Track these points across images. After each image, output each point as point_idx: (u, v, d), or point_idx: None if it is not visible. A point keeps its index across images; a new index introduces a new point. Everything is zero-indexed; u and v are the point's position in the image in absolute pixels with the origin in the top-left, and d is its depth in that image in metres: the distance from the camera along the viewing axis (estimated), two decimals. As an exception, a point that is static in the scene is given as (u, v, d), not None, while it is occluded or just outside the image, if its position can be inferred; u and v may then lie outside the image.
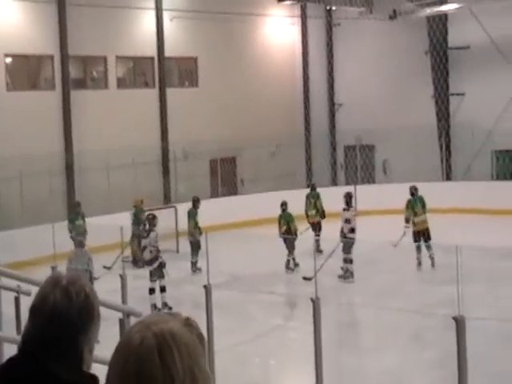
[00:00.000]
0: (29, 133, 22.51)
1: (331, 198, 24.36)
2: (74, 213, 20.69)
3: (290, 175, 28.64)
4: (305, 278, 16.58)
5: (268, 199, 22.21)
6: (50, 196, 22.27)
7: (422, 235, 17.59)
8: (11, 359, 2.21)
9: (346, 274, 16.68)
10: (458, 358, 7.39)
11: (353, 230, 17.12)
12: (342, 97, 31.00)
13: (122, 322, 7.31)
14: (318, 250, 18.59)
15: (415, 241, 17.46)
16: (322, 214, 20.37)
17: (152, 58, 26.68)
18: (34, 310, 2.22)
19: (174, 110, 26.58)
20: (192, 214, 19.34)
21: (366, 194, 25.31)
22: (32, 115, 22.93)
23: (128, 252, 19.57)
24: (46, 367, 2.12)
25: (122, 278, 10.20)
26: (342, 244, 16.81)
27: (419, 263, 17.27)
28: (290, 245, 18.00)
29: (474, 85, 26.62)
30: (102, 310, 2.33)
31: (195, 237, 18.70)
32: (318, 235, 19.78)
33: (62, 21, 23.73)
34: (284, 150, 29.05)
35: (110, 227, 17.25)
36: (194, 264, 18.65)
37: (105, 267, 18.27)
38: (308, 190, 21.69)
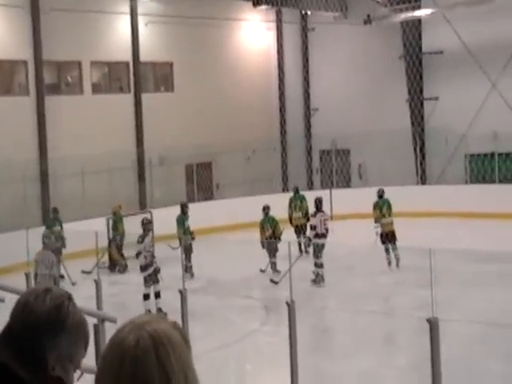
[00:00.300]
0: (2, 139, 22.34)
1: (308, 202, 24.53)
2: (52, 219, 20.51)
3: (265, 180, 28.69)
4: (272, 281, 16.76)
5: (244, 204, 22.26)
6: (24, 202, 22.11)
7: (389, 237, 17.84)
8: None
9: (317, 279, 16.71)
10: (432, 360, 7.45)
11: (323, 235, 17.17)
12: (317, 101, 31.13)
13: (96, 328, 7.29)
14: (306, 251, 18.83)
15: (383, 242, 17.66)
16: (307, 216, 20.39)
17: (127, 63, 26.60)
18: (10, 313, 2.24)
19: (150, 116, 26.50)
20: (180, 220, 19.19)
21: (341, 198, 25.46)
22: (5, 121, 22.72)
23: (105, 258, 19.53)
24: (7, 365, 2.12)
25: (97, 283, 10.16)
26: (312, 249, 16.99)
27: (389, 263, 17.56)
28: (273, 249, 18.04)
29: (448, 89, 26.89)
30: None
31: (185, 242, 18.56)
32: (305, 237, 19.77)
33: (36, 26, 23.56)
34: (260, 154, 29.09)
35: (85, 233, 17.19)
36: (189, 268, 18.45)
37: (84, 272, 18.22)
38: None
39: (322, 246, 16.85)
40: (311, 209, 18.28)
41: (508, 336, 12.25)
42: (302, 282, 16.66)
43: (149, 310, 14.85)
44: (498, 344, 11.46)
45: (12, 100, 23.63)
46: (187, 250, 18.38)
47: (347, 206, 24.56)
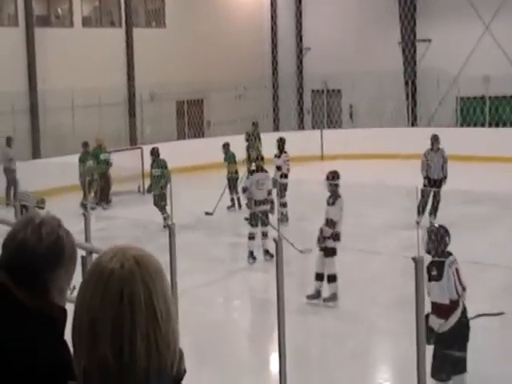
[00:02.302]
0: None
1: (297, 142, 24.46)
2: (84, 153, 20.06)
3: (256, 118, 28.60)
4: (207, 213, 17.41)
5: (235, 142, 22.20)
6: (13, 135, 21.98)
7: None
8: None
9: (282, 217, 16.69)
10: (416, 298, 7.59)
11: (286, 176, 17.29)
12: (309, 41, 30.87)
13: (84, 260, 7.36)
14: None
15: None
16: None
17: (118, -3, 26.22)
18: (4, 243, 2.30)
19: (141, 51, 26.24)
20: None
21: (332, 139, 25.49)
22: (-6, 52, 22.49)
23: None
24: (12, 294, 2.18)
25: (86, 217, 10.20)
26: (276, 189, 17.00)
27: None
28: (234, 185, 18.88)
29: (441, 31, 26.72)
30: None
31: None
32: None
33: (25, -45, 23.15)
34: (251, 93, 28.94)
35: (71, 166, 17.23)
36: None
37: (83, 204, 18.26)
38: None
39: (286, 185, 16.93)
40: (272, 149, 18.10)
41: (492, 276, 12.46)
42: (290, 221, 16.83)
43: (251, 252, 13.92)
44: (483, 284, 11.63)
45: (1, 30, 23.30)
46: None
47: (337, 147, 24.60)
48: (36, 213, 2.42)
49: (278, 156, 17.64)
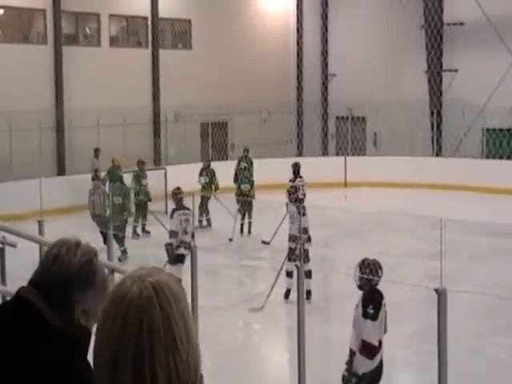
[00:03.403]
0: (19, 87, 22.33)
1: (321, 168, 24.45)
2: (139, 171, 19.89)
3: (280, 143, 28.62)
4: (263, 242, 17.03)
5: (258, 166, 22.20)
6: (39, 152, 22.17)
7: None
8: (5, 302, 2.28)
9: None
10: (438, 330, 7.46)
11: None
12: (335, 67, 30.92)
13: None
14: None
15: None
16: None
17: (146, 18, 26.46)
18: (41, 260, 2.33)
19: (167, 72, 26.41)
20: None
21: (355, 166, 25.42)
22: (23, 69, 22.74)
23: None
24: (37, 310, 2.19)
25: (109, 235, 10.22)
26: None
27: None
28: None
29: (468, 61, 26.62)
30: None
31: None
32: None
33: (56, -26, 23.48)
34: (275, 117, 28.98)
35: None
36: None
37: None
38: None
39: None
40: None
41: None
42: (312, 247, 16.72)
43: (288, 290, 12.89)
44: (506, 317, 11.48)
45: (30, 48, 23.60)
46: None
47: (361, 174, 24.53)
48: (74, 237, 2.45)
49: (292, 180, 17.52)
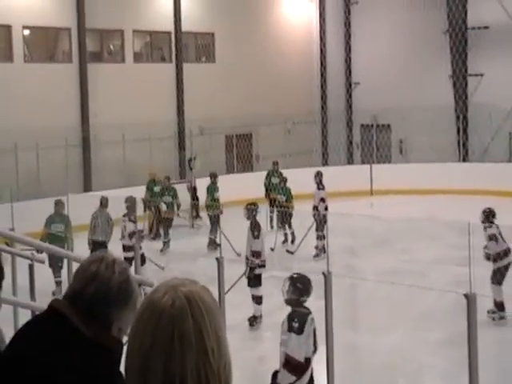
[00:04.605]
0: (45, 105, 22.60)
1: (347, 176, 24.36)
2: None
3: (305, 153, 28.60)
4: (288, 251, 17.21)
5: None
6: (66, 168, 22.37)
7: None
8: (39, 315, 2.31)
9: (320, 250, 16.54)
10: (469, 336, 7.40)
11: (326, 208, 17.13)
12: (358, 75, 30.86)
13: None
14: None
15: None
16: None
17: (169, 33, 26.64)
18: (76, 272, 2.32)
19: (191, 85, 26.55)
20: (210, 189, 19.39)
21: (381, 173, 25.31)
22: (49, 87, 23.02)
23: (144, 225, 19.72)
24: (71, 324, 2.20)
25: (136, 248, 10.28)
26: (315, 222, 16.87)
27: None
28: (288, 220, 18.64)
29: (493, 65, 26.42)
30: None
31: (213, 212, 18.68)
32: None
33: (80, -6, 23.74)
34: (300, 127, 28.97)
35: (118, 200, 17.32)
36: (212, 241, 18.48)
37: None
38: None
39: (326, 219, 16.76)
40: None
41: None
42: (337, 256, 16.69)
43: (254, 317, 12.61)
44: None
45: (55, 67, 23.86)
46: (214, 221, 18.44)
47: (387, 182, 24.42)
48: (108, 252, 2.46)
49: (322, 188, 17.42)
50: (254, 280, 12.54)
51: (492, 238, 11.93)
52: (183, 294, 1.68)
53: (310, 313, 7.57)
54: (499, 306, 11.68)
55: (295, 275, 8.03)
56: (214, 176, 19.75)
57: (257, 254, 12.55)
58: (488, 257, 11.75)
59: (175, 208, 19.91)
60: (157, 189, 20.59)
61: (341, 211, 17.77)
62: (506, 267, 11.78)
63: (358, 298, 14.02)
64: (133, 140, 23.75)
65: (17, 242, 7.87)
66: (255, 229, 12.70)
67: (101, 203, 15.90)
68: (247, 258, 12.81)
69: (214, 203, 18.83)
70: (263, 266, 12.69)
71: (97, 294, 2.22)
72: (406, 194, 23.50)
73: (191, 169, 23.56)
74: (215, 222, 18.25)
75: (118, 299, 2.25)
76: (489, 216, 12.26)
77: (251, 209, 12.92)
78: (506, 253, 11.83)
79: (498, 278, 11.71)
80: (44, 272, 8.59)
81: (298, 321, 7.42)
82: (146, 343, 1.65)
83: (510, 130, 26.24)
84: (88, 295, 2.22)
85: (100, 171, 23.53)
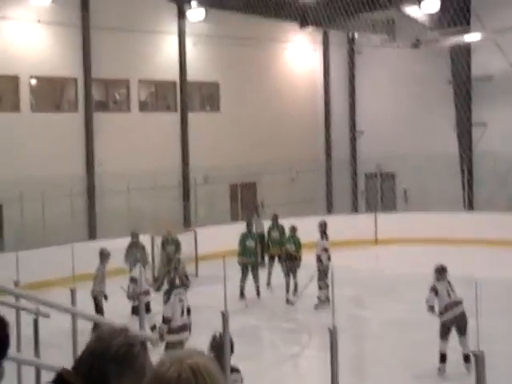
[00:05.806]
0: (51, 153, 22.75)
1: (351, 225, 24.29)
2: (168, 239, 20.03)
3: (309, 201, 28.61)
4: (288, 302, 17.18)
5: (288, 225, 22.18)
6: (71, 216, 22.40)
7: None
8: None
9: (322, 301, 16.49)
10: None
11: (329, 258, 17.09)
12: (363, 124, 31.03)
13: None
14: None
15: None
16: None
17: (174, 82, 26.89)
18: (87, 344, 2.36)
19: (196, 134, 26.71)
20: (242, 237, 19.22)
21: (386, 223, 25.26)
22: (55, 136, 23.22)
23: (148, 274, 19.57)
24: None
25: (140, 302, 10.15)
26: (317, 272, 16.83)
27: None
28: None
29: (497, 115, 26.54)
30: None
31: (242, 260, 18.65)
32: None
33: (86, 44, 24.04)
34: (304, 176, 29.05)
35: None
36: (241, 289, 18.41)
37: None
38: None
39: (328, 269, 16.69)
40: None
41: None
42: (343, 307, 16.56)
43: None
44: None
45: (62, 116, 24.07)
46: (244, 269, 18.44)
47: (392, 231, 24.36)
48: (125, 325, 2.45)
49: (325, 238, 17.40)
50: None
51: (432, 291, 12.06)
52: (188, 366, 1.68)
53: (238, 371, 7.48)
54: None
55: (216, 334, 7.76)
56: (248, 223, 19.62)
57: (166, 320, 11.83)
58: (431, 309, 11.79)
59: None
60: (170, 249, 20.23)
61: (345, 261, 17.75)
62: (451, 321, 11.73)
63: (365, 352, 13.89)
64: (138, 188, 23.82)
65: (21, 297, 7.82)
66: (167, 292, 12.13)
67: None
68: None
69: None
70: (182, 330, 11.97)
71: (93, 353, 2.25)
72: (411, 243, 23.43)
73: (258, 216, 23.17)
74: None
75: (116, 360, 2.24)
76: (440, 272, 12.41)
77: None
78: (450, 306, 11.81)
79: (443, 331, 11.67)
80: (49, 323, 8.50)
81: None
82: None
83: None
84: (86, 356, 2.25)
85: (105, 220, 23.56)
